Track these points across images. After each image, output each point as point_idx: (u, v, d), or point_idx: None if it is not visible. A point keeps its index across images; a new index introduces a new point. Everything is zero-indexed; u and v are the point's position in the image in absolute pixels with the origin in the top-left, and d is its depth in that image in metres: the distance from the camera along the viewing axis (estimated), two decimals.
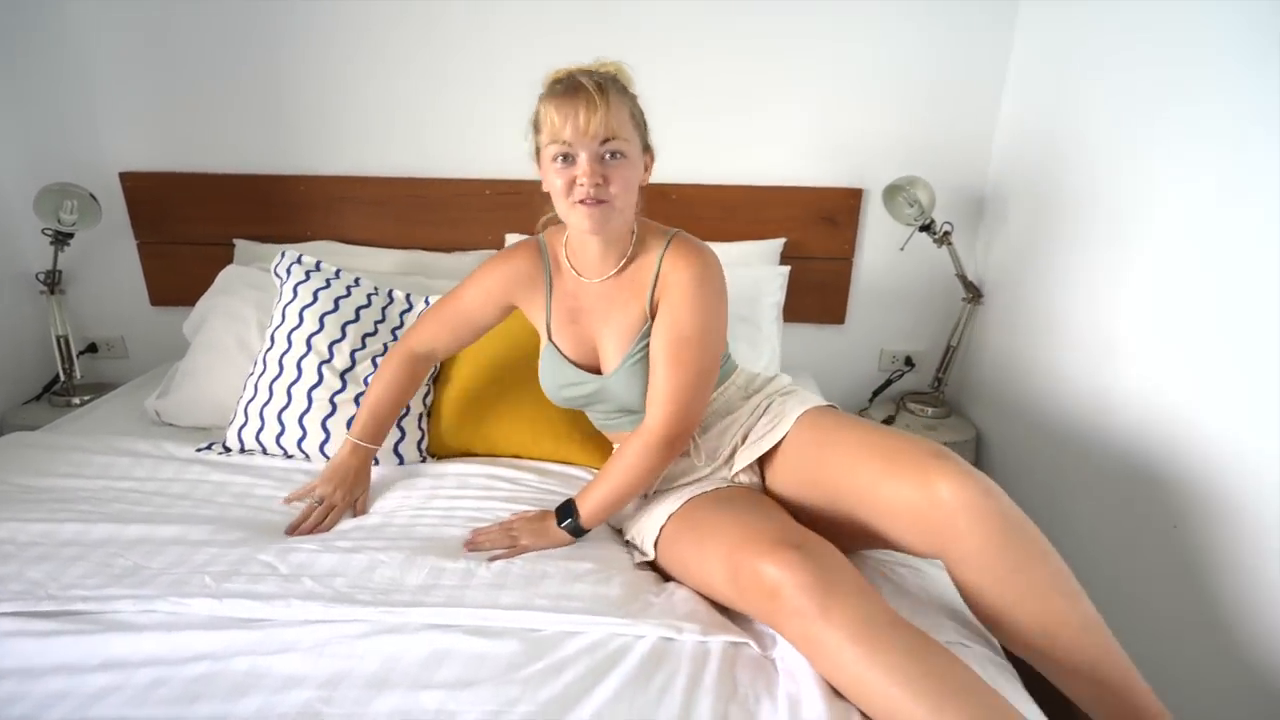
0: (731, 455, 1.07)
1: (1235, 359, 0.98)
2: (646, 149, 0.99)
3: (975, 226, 1.71)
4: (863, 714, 0.72)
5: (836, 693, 0.75)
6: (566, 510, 1.00)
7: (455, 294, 1.14)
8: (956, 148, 1.65)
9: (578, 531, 1.00)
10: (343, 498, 1.09)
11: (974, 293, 1.66)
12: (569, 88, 0.89)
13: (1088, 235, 1.29)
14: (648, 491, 1.07)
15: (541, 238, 1.10)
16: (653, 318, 1.01)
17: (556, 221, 1.03)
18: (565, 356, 1.08)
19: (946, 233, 1.57)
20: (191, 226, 1.71)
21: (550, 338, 1.09)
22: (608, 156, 0.90)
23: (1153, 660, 1.20)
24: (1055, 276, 1.39)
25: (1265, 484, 0.95)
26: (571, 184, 0.91)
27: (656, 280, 1.00)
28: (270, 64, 1.61)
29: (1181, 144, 1.07)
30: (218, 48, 1.60)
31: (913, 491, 0.83)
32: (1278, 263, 0.90)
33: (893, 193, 1.54)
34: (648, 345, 1.01)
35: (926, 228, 1.54)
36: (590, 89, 0.88)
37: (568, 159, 0.90)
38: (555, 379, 1.09)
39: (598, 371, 1.08)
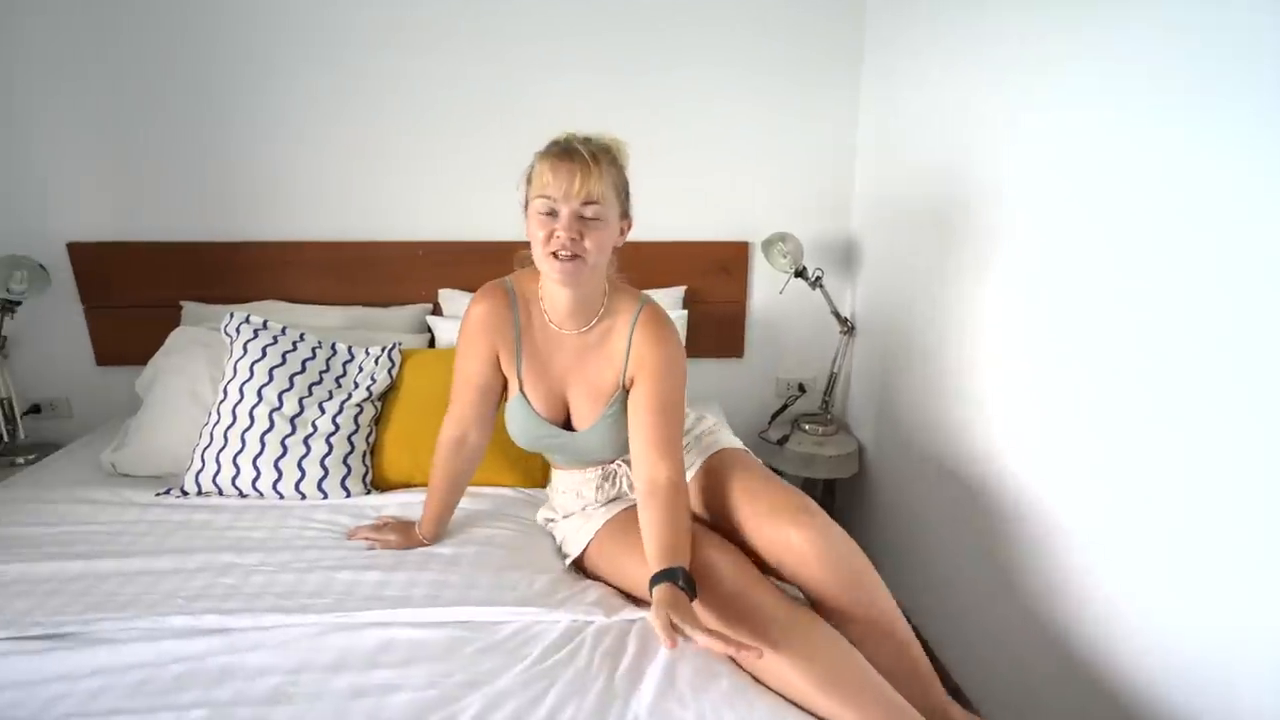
0: None
1: (1066, 381, 1.17)
2: (625, 216, 1.10)
3: (844, 269, 2.02)
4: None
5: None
6: (670, 575, 0.94)
7: (456, 369, 1.19)
8: (823, 205, 1.96)
9: (692, 583, 0.96)
10: (398, 542, 1.20)
11: (848, 326, 1.95)
12: (565, 151, 1.00)
13: (939, 272, 1.56)
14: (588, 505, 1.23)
15: (509, 280, 1.17)
16: (624, 388, 1.14)
17: (530, 262, 1.11)
18: (534, 409, 1.17)
19: (819, 277, 1.86)
20: (138, 291, 1.83)
21: (521, 389, 1.17)
22: (587, 217, 1.01)
23: (981, 622, 1.45)
24: (912, 308, 1.68)
25: (1069, 491, 1.23)
26: (550, 236, 1.00)
27: (629, 353, 1.12)
28: (214, 139, 1.77)
29: (1021, 184, 1.29)
30: (164, 125, 1.75)
31: (778, 534, 1.04)
32: (1109, 293, 1.06)
33: (768, 246, 1.82)
34: (619, 408, 1.14)
35: (800, 274, 1.83)
36: (584, 155, 0.99)
37: (552, 214, 1.01)
38: (528, 431, 1.18)
39: (565, 421, 1.19)
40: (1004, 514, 1.33)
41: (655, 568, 0.96)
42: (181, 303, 1.81)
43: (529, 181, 1.05)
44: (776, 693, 0.91)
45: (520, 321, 1.15)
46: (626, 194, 1.09)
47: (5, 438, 1.75)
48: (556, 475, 1.30)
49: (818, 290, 1.87)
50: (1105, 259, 1.07)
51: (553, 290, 1.11)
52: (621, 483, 1.25)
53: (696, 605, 0.95)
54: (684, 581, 0.93)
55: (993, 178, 1.35)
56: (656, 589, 0.92)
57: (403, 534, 1.21)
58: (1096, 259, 1.09)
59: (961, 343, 1.47)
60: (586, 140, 1.03)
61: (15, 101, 1.70)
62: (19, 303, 1.69)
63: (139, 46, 1.70)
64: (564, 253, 1.01)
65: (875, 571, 1.05)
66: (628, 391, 1.14)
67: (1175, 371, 0.95)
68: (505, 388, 1.21)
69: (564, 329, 1.14)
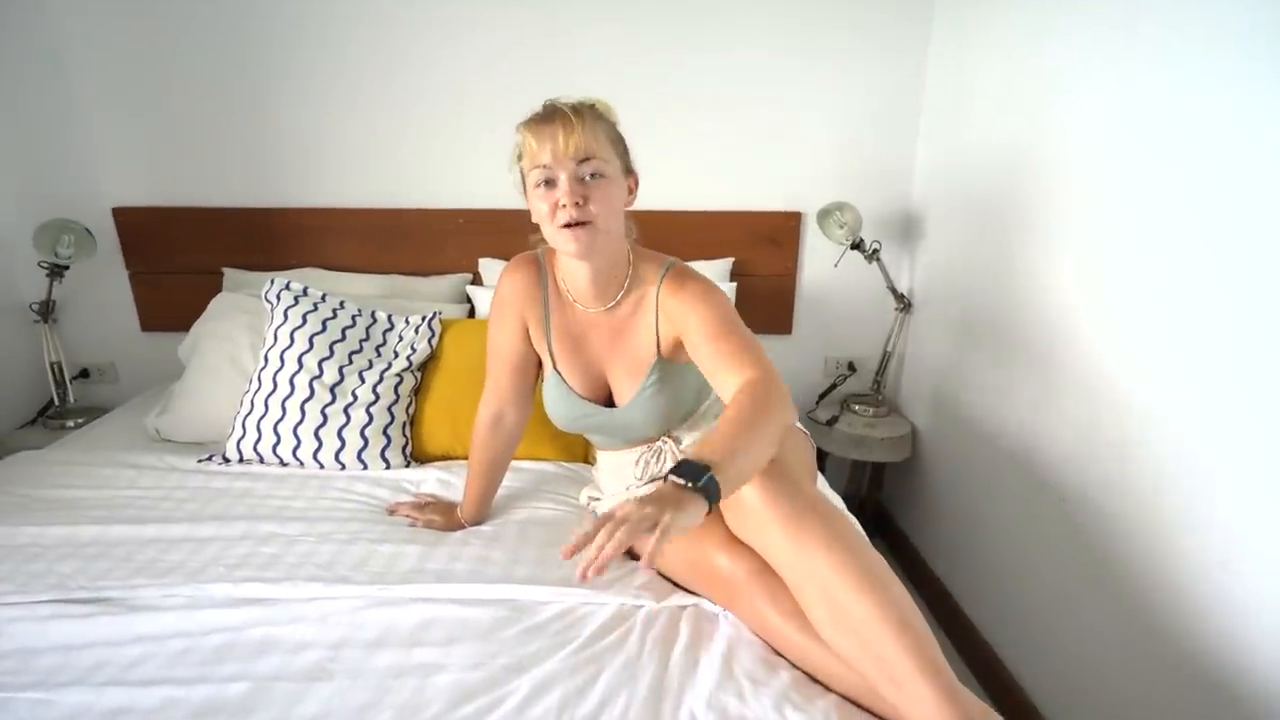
0: None
1: (1164, 362, 1.08)
2: (630, 172, 1.02)
3: (903, 243, 1.91)
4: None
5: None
6: (689, 470, 0.76)
7: (489, 344, 1.15)
8: (882, 174, 1.85)
9: (714, 492, 0.75)
10: (441, 524, 1.17)
11: (904, 303, 1.85)
12: (545, 114, 0.94)
13: (1009, 249, 1.45)
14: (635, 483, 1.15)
15: (540, 252, 1.12)
16: (659, 352, 1.05)
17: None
18: (571, 388, 1.11)
19: (875, 250, 1.75)
20: (181, 257, 1.82)
21: (555, 367, 1.12)
22: (588, 177, 0.93)
23: (1050, 614, 1.37)
24: (979, 285, 1.58)
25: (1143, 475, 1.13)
26: (555, 208, 0.93)
27: (657, 315, 1.03)
28: (255, 106, 1.74)
29: (1095, 162, 1.21)
30: (206, 92, 1.72)
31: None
32: (1199, 271, 0.99)
33: (824, 216, 1.72)
34: (657, 376, 1.06)
35: (857, 246, 1.73)
36: (566, 112, 0.92)
37: (550, 183, 0.93)
38: (567, 411, 1.12)
39: (605, 399, 1.13)
40: (1087, 504, 1.23)
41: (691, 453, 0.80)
42: (223, 269, 1.80)
43: (519, 159, 0.98)
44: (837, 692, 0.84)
45: (550, 297, 1.10)
46: (624, 147, 1.01)
47: (56, 401, 1.77)
48: (600, 456, 1.25)
49: (874, 264, 1.77)
50: (1192, 234, 0.98)
51: (572, 268, 1.04)
52: (667, 460, 1.18)
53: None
54: (702, 482, 0.74)
55: (1068, 152, 1.25)
56: (668, 480, 0.75)
57: (445, 515, 1.18)
58: (1183, 233, 1.00)
59: (1039, 323, 1.36)
60: (564, 100, 0.96)
61: (64, 69, 1.68)
62: (66, 267, 1.69)
63: (185, 13, 1.66)
64: (573, 221, 0.93)
65: (829, 524, 0.84)
66: (664, 359, 1.07)
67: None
68: (540, 364, 1.15)
69: (590, 308, 1.07)
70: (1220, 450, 0.97)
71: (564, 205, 0.92)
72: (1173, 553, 1.05)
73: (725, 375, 0.93)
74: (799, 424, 1.19)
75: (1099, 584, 1.19)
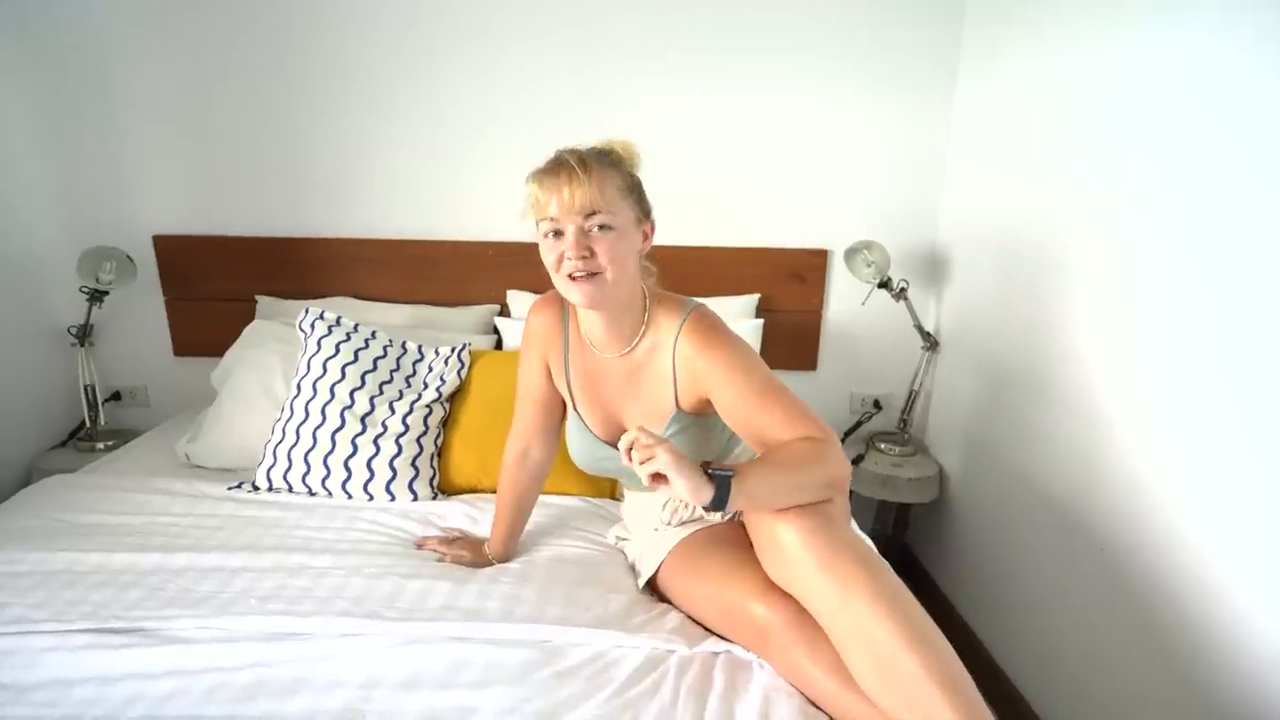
0: None
1: (1170, 417, 1.11)
2: (645, 219, 1.00)
3: (929, 282, 1.91)
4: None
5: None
6: (722, 472, 0.82)
7: (518, 380, 1.16)
8: (909, 214, 1.86)
9: (723, 496, 0.81)
10: (469, 559, 1.16)
11: (931, 342, 1.84)
12: (553, 165, 0.93)
13: (1042, 290, 1.45)
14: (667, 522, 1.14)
15: None
16: (679, 408, 1.03)
17: None
18: (591, 431, 1.11)
19: (903, 289, 1.75)
20: (216, 284, 1.85)
21: (575, 408, 1.12)
22: (595, 230, 0.92)
23: (1090, 668, 1.33)
24: (1009, 326, 1.57)
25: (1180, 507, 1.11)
26: (561, 259, 0.93)
27: (676, 371, 1.01)
28: (292, 139, 1.79)
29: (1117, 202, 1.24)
30: (247, 124, 1.78)
31: (766, 530, 0.90)
32: (1244, 311, 0.98)
33: (851, 255, 1.73)
34: (677, 428, 1.04)
35: (884, 284, 1.73)
36: (573, 164, 0.91)
37: (557, 234, 0.93)
38: (589, 453, 1.13)
39: None
40: (1129, 556, 1.20)
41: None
42: (256, 296, 1.83)
43: (531, 208, 0.97)
44: None
45: (570, 338, 1.10)
46: (640, 194, 1.00)
47: (87, 423, 1.80)
48: (627, 496, 1.25)
49: (900, 303, 1.77)
50: (1225, 284, 0.97)
51: (586, 314, 1.04)
52: (708, 514, 1.15)
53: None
54: (719, 478, 0.81)
55: (1091, 198, 1.25)
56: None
57: (473, 550, 1.17)
58: (1215, 283, 0.99)
59: (1069, 368, 1.35)
60: (574, 150, 0.95)
61: (110, 102, 1.74)
62: (106, 293, 1.73)
63: (228, 47, 1.72)
64: (578, 273, 0.93)
65: (873, 575, 0.83)
66: (684, 412, 1.05)
67: None
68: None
69: (605, 353, 1.07)
70: (1274, 504, 0.94)
71: (570, 258, 0.92)
72: (1223, 609, 1.02)
73: (775, 441, 0.92)
74: None
75: (1142, 639, 1.16)
